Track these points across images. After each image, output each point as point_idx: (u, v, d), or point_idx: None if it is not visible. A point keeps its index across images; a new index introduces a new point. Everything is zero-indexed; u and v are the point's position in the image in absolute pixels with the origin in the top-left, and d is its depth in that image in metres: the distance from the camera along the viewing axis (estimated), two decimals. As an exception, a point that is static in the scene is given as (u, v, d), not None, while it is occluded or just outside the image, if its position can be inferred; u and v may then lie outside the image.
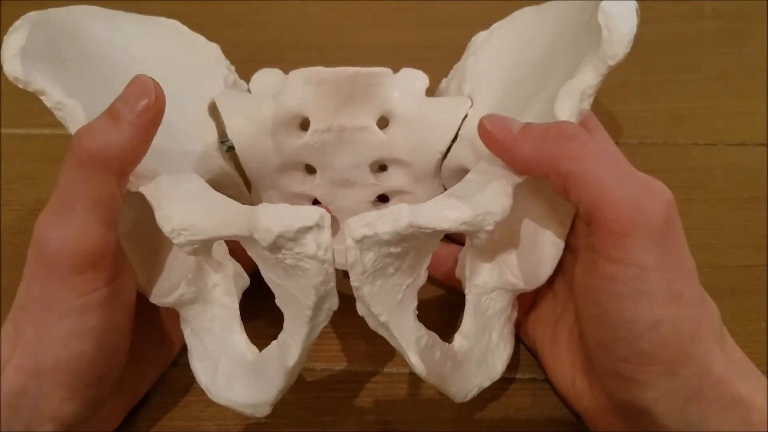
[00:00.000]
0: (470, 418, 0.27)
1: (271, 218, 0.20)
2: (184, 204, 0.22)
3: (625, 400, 0.22)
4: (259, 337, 0.24)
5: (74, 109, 0.22)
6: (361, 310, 0.22)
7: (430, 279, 0.30)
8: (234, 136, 0.28)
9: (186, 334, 0.25)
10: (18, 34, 0.22)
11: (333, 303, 0.21)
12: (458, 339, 0.24)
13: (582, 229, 0.24)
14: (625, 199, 0.20)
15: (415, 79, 0.29)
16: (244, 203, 0.22)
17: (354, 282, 0.21)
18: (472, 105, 0.28)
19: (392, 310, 0.22)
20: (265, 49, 0.41)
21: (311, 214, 0.20)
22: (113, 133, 0.21)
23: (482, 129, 0.23)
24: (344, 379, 0.28)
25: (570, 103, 0.22)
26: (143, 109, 0.21)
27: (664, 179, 0.22)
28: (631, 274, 0.20)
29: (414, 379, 0.27)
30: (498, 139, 0.23)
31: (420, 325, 0.23)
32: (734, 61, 0.40)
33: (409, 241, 0.21)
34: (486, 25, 0.30)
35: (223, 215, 0.21)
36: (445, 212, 0.21)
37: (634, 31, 0.22)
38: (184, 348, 0.26)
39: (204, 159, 0.28)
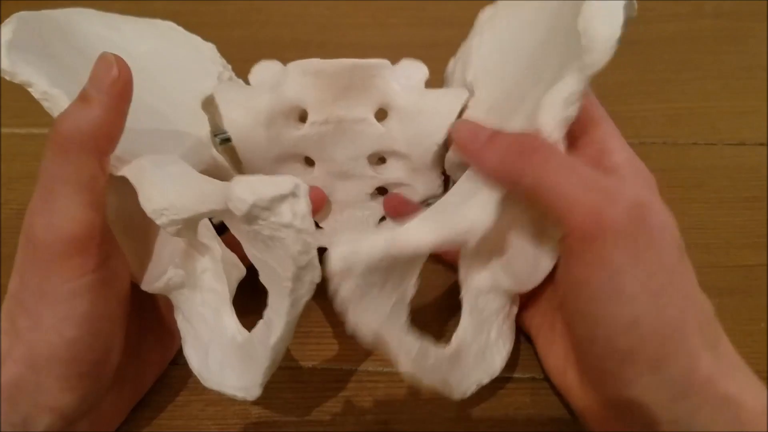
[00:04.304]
0: (469, 418, 0.27)
1: (245, 188, 0.19)
2: (164, 184, 0.22)
3: (612, 396, 0.22)
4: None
5: (60, 99, 0.23)
6: (349, 329, 0.22)
7: (440, 260, 0.30)
8: (231, 128, 0.28)
9: (179, 321, 0.25)
10: (5, 29, 0.23)
11: (315, 275, 0.21)
12: (455, 340, 0.24)
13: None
14: (587, 206, 0.20)
15: (415, 69, 0.29)
16: None
17: (338, 307, 0.21)
18: (472, 96, 0.28)
19: (380, 326, 0.22)
20: (265, 48, 0.41)
21: (285, 182, 0.19)
22: (83, 113, 0.21)
23: (454, 135, 0.24)
24: (344, 379, 0.28)
25: (553, 112, 0.22)
26: (109, 85, 0.21)
27: (664, 179, 0.22)
28: (605, 276, 0.20)
29: (414, 378, 0.27)
30: (466, 147, 0.23)
31: (411, 334, 0.23)
32: (734, 60, 0.40)
33: (391, 265, 0.21)
34: (486, 24, 0.30)
35: (202, 191, 0.22)
36: (422, 235, 0.21)
37: (618, 33, 0.20)
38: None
39: (196, 151, 0.28)
